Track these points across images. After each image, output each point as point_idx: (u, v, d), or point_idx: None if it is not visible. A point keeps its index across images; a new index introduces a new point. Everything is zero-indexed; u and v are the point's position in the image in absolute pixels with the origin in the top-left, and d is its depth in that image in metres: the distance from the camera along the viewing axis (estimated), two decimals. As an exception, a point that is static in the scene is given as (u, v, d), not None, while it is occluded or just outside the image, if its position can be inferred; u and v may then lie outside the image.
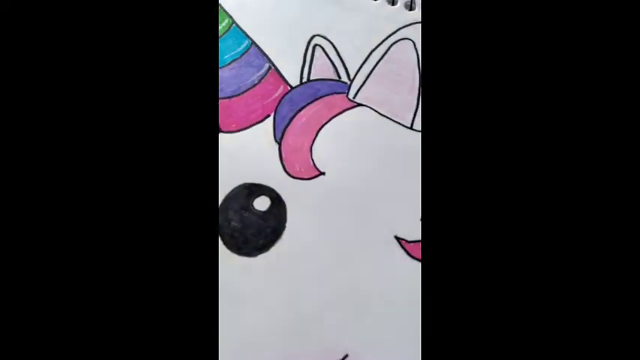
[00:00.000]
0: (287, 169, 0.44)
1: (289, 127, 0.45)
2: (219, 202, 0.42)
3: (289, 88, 0.46)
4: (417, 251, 0.43)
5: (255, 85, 0.46)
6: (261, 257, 0.42)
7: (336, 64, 0.47)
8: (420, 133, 0.45)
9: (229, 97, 0.45)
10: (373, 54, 0.47)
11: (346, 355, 0.41)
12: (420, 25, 0.46)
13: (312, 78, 0.47)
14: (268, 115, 0.45)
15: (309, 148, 0.45)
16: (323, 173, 0.44)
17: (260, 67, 0.46)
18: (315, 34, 0.47)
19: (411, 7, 0.47)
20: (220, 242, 0.42)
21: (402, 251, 0.43)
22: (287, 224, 0.43)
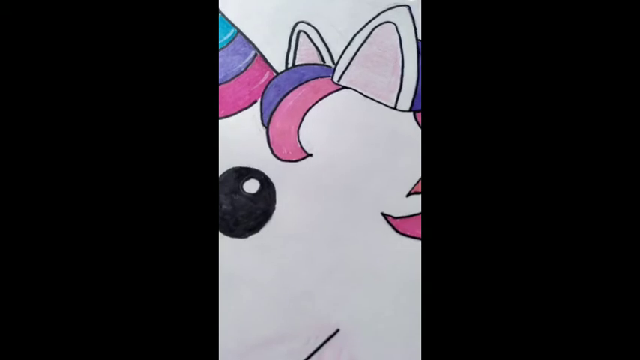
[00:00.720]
0: (275, 153, 0.45)
1: (276, 112, 0.46)
2: (210, 186, 0.44)
3: (275, 74, 0.47)
4: (404, 227, 0.44)
5: (241, 72, 0.47)
6: (252, 238, 0.43)
7: (320, 49, 0.48)
8: (406, 113, 0.46)
9: (217, 85, 0.46)
10: (356, 38, 0.48)
11: (337, 330, 0.42)
12: (403, 8, 0.47)
13: (297, 63, 0.48)
14: (255, 101, 0.46)
15: (296, 131, 0.46)
16: (310, 155, 0.45)
17: (246, 55, 0.47)
18: (298, 20, 0.48)
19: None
20: (212, 225, 0.43)
21: (389, 227, 0.44)
22: (276, 206, 0.44)
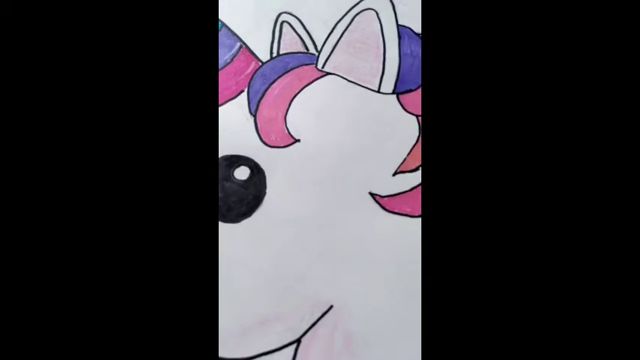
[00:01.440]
0: (263, 139, 0.46)
1: (263, 100, 0.47)
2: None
3: (260, 64, 0.49)
4: (391, 205, 0.45)
5: (228, 64, 0.48)
6: (245, 223, 0.45)
7: (304, 38, 0.50)
8: (389, 96, 0.47)
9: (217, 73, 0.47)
10: (338, 25, 0.49)
11: (331, 306, 0.43)
12: (382, -6, 0.49)
13: (281, 52, 0.49)
14: (242, 91, 0.48)
15: (283, 118, 0.47)
16: (298, 140, 0.46)
17: (232, 47, 0.48)
18: (281, 11, 0.49)
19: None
20: (205, 211, 0.44)
21: (377, 206, 0.45)
22: (267, 191, 0.45)
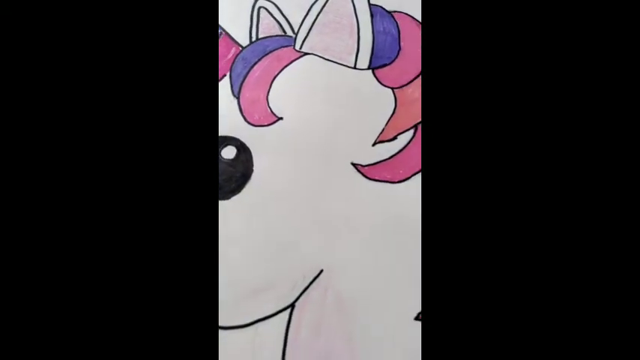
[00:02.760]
0: (248, 119, 0.49)
1: (245, 83, 0.50)
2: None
3: (241, 49, 0.51)
4: (372, 173, 0.47)
5: (209, 50, 0.50)
6: (234, 199, 0.47)
7: (281, 22, 0.52)
8: (365, 71, 0.50)
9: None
10: (313, 7, 0.51)
11: (321, 271, 0.45)
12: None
13: (260, 37, 0.51)
14: (225, 75, 0.50)
15: (265, 98, 0.49)
16: (281, 118, 0.49)
17: (212, 34, 0.50)
18: (258, -3, 0.52)
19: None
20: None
21: (360, 175, 0.47)
22: (254, 167, 0.47)
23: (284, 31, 0.52)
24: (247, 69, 0.50)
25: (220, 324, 0.44)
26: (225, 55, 0.51)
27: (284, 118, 0.49)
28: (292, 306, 0.44)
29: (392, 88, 0.49)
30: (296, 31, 0.51)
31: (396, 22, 0.51)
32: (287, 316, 0.44)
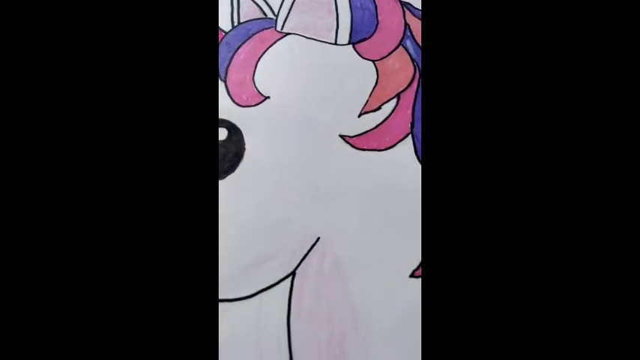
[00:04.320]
0: (236, 101, 0.50)
1: (231, 66, 0.51)
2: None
3: (224, 34, 0.52)
4: (360, 143, 0.49)
5: (193, 37, 0.52)
6: (229, 178, 0.49)
7: (260, 5, 0.53)
8: (346, 46, 0.52)
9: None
10: (291, -11, 0.53)
11: (318, 238, 0.47)
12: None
13: (241, 21, 0.53)
14: (211, 60, 0.51)
15: (251, 79, 0.51)
16: (268, 97, 0.50)
17: (195, 21, 0.52)
18: (237, -17, 0.53)
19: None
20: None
21: (348, 145, 0.49)
22: (246, 146, 0.49)
23: (264, 14, 0.53)
24: (232, 53, 0.52)
25: (227, 297, 0.46)
26: (210, 40, 0.52)
27: (271, 97, 0.50)
28: (293, 274, 0.47)
29: (373, 61, 0.51)
30: (276, 12, 0.53)
31: (373, -3, 0.53)
32: (289, 284, 0.47)
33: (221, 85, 0.51)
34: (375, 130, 0.49)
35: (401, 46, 0.51)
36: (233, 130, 0.50)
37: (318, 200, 0.48)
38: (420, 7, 0.53)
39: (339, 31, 0.52)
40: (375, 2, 0.52)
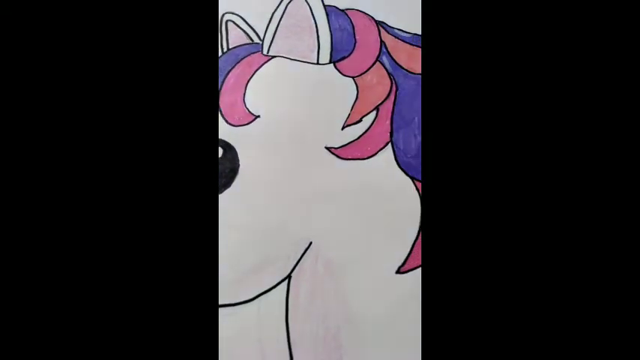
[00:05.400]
0: (229, 121, 0.55)
1: (222, 89, 0.56)
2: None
3: (215, 60, 0.57)
4: (345, 153, 0.53)
5: (187, 64, 0.56)
6: (227, 192, 0.53)
7: (247, 31, 0.58)
8: (327, 65, 0.56)
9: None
10: (274, 14, 0.57)
11: (310, 242, 0.51)
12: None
13: (230, 47, 0.58)
14: (204, 84, 0.56)
15: (242, 101, 0.55)
16: (258, 116, 0.55)
17: (188, 50, 0.56)
18: (224, 12, 0.58)
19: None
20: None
21: (333, 156, 0.53)
22: (240, 162, 0.53)
23: (251, 39, 0.58)
24: (223, 77, 0.56)
25: (228, 301, 0.50)
26: (202, 66, 0.57)
27: (261, 116, 0.55)
28: (289, 277, 0.51)
29: (352, 77, 0.55)
30: (262, 37, 0.57)
31: (350, 19, 0.57)
32: (285, 287, 0.51)
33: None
34: (357, 140, 0.54)
35: (378, 62, 0.55)
36: (228, 148, 0.54)
37: (309, 207, 0.52)
38: (396, 26, 0.57)
39: (320, 51, 0.56)
40: (352, 23, 0.57)
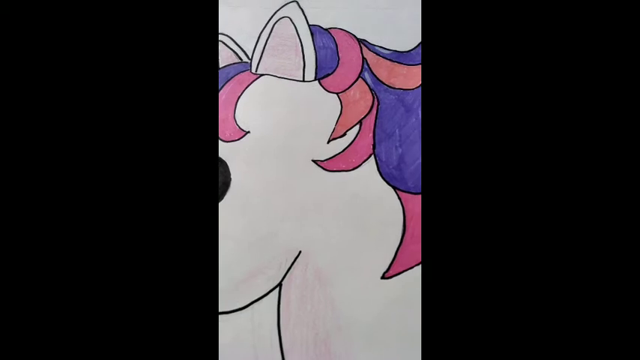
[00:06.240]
0: (220, 137, 0.57)
1: (214, 107, 0.59)
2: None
3: (206, 79, 0.60)
4: (330, 165, 0.56)
5: (179, 84, 0.59)
6: (220, 205, 0.55)
7: (236, 51, 0.61)
8: (312, 82, 0.59)
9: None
10: (262, 35, 0.60)
11: (300, 252, 0.54)
12: (292, 4, 0.60)
13: (221, 66, 0.60)
14: (196, 103, 0.59)
15: (232, 117, 0.58)
16: (248, 132, 0.57)
17: (180, 70, 0.59)
18: (214, 33, 0.61)
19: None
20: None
21: (320, 168, 0.56)
22: (232, 176, 0.56)
23: (240, 59, 0.61)
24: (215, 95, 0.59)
25: (224, 309, 0.53)
26: (194, 86, 0.59)
27: (250, 132, 0.57)
28: (280, 285, 0.53)
29: (336, 93, 0.58)
30: (250, 56, 0.60)
31: (333, 37, 0.60)
32: (277, 294, 0.53)
33: (206, 124, 0.58)
34: (342, 153, 0.56)
35: (360, 79, 0.58)
36: (220, 162, 0.57)
37: (297, 218, 0.55)
38: (377, 43, 0.60)
39: (305, 69, 0.59)
40: (335, 41, 0.60)
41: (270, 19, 0.60)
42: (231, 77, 0.60)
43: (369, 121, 0.57)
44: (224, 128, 0.58)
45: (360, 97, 0.58)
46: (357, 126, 0.57)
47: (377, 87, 0.58)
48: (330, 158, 0.56)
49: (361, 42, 0.60)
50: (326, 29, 0.60)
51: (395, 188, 0.55)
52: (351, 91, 0.58)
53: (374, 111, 0.57)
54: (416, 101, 0.57)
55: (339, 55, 0.59)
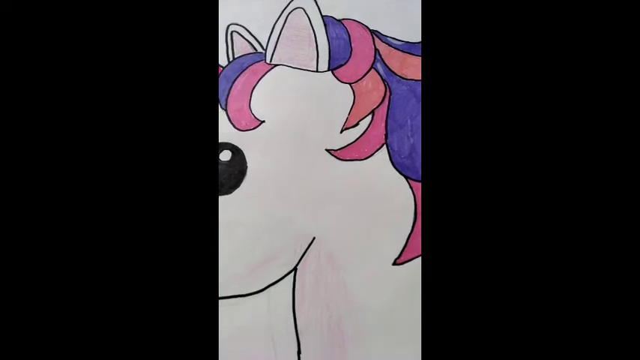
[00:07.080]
0: (236, 126, 0.59)
1: (230, 96, 0.60)
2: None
3: (222, 69, 0.61)
4: (344, 155, 0.58)
5: (196, 74, 0.60)
6: (235, 192, 0.57)
7: (251, 41, 0.62)
8: (326, 73, 0.60)
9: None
10: (276, 25, 0.61)
11: (314, 238, 0.56)
12: (307, -7, 0.61)
13: (236, 56, 0.62)
14: (212, 92, 0.60)
15: (248, 107, 0.59)
16: (263, 121, 0.59)
17: (196, 60, 0.61)
18: (229, 23, 0.62)
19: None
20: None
21: (333, 158, 0.58)
22: (247, 165, 0.58)
23: (255, 49, 0.62)
24: (230, 84, 0.60)
25: (241, 292, 0.55)
26: (210, 76, 0.61)
27: (266, 121, 0.59)
28: (295, 269, 0.56)
29: (349, 84, 0.59)
30: (265, 47, 0.61)
31: (346, 28, 0.61)
32: (292, 278, 0.55)
33: (223, 113, 0.59)
34: (355, 143, 0.58)
35: (372, 69, 0.60)
36: (235, 151, 0.58)
37: (312, 205, 0.57)
38: (389, 34, 0.61)
39: (319, 59, 0.60)
40: (348, 32, 0.61)
41: (284, 10, 0.61)
42: (246, 67, 0.61)
43: (382, 112, 0.58)
44: (240, 118, 0.59)
45: (373, 87, 0.59)
46: (370, 116, 0.58)
47: (389, 78, 0.59)
48: (343, 148, 0.58)
49: (373, 33, 0.61)
50: (339, 20, 0.61)
51: (406, 177, 0.57)
52: (364, 82, 0.59)
53: (386, 101, 0.58)
54: (427, 92, 0.58)
55: (352, 45, 0.60)
